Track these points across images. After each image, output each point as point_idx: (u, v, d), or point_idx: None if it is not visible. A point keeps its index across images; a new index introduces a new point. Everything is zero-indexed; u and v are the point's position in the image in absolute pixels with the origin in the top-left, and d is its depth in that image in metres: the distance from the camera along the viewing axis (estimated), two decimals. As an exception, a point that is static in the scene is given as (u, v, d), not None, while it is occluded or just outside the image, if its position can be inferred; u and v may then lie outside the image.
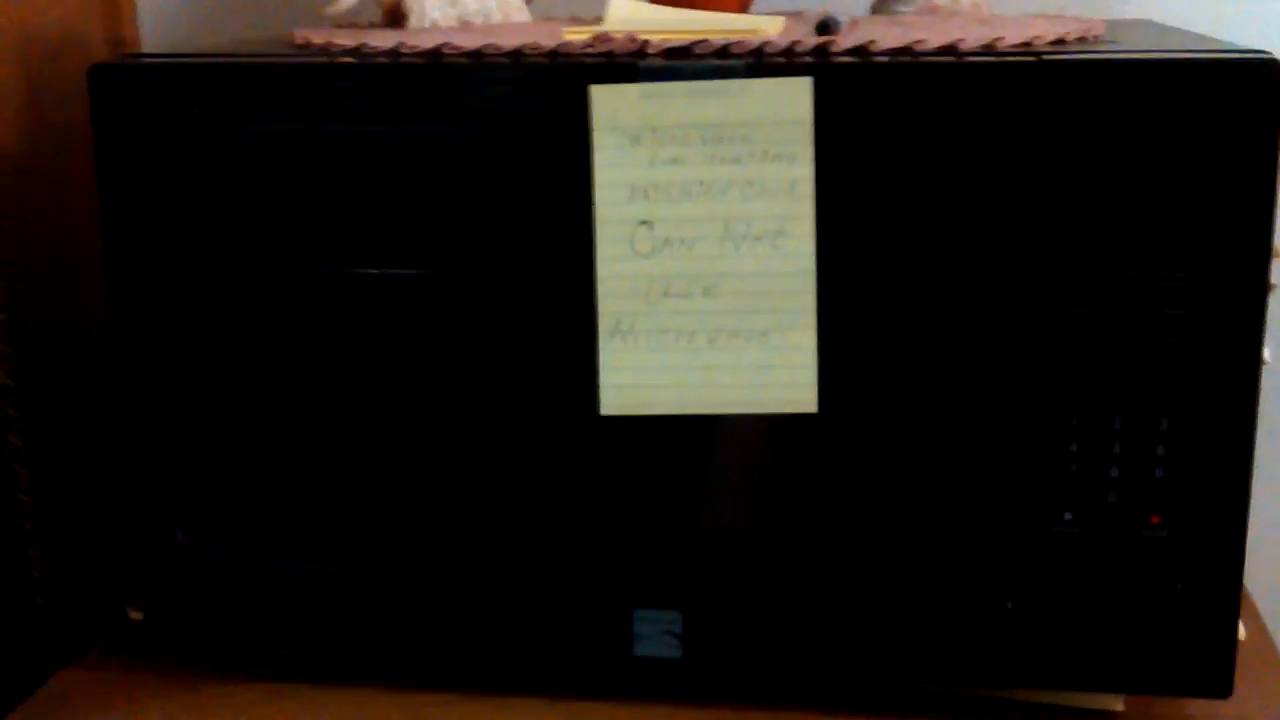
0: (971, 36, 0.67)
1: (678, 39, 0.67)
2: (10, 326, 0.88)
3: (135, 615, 0.78)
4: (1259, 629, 0.80)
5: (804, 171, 0.64)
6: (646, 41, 0.67)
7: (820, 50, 0.66)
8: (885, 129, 0.64)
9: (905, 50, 0.66)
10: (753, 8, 0.90)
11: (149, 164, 0.70)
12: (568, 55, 0.68)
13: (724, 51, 0.66)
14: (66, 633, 0.93)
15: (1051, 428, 0.66)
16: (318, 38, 0.76)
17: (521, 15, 0.86)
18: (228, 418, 0.72)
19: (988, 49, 0.66)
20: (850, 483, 0.68)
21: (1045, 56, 0.63)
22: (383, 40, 0.72)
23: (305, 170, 0.69)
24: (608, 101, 0.65)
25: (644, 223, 0.66)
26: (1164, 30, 0.82)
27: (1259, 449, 0.65)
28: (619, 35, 0.68)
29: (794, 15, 0.86)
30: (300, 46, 0.76)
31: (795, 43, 0.67)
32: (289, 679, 0.76)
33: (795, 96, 0.64)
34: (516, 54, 0.68)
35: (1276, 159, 0.62)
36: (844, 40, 0.67)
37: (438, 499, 0.72)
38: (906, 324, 0.66)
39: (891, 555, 0.69)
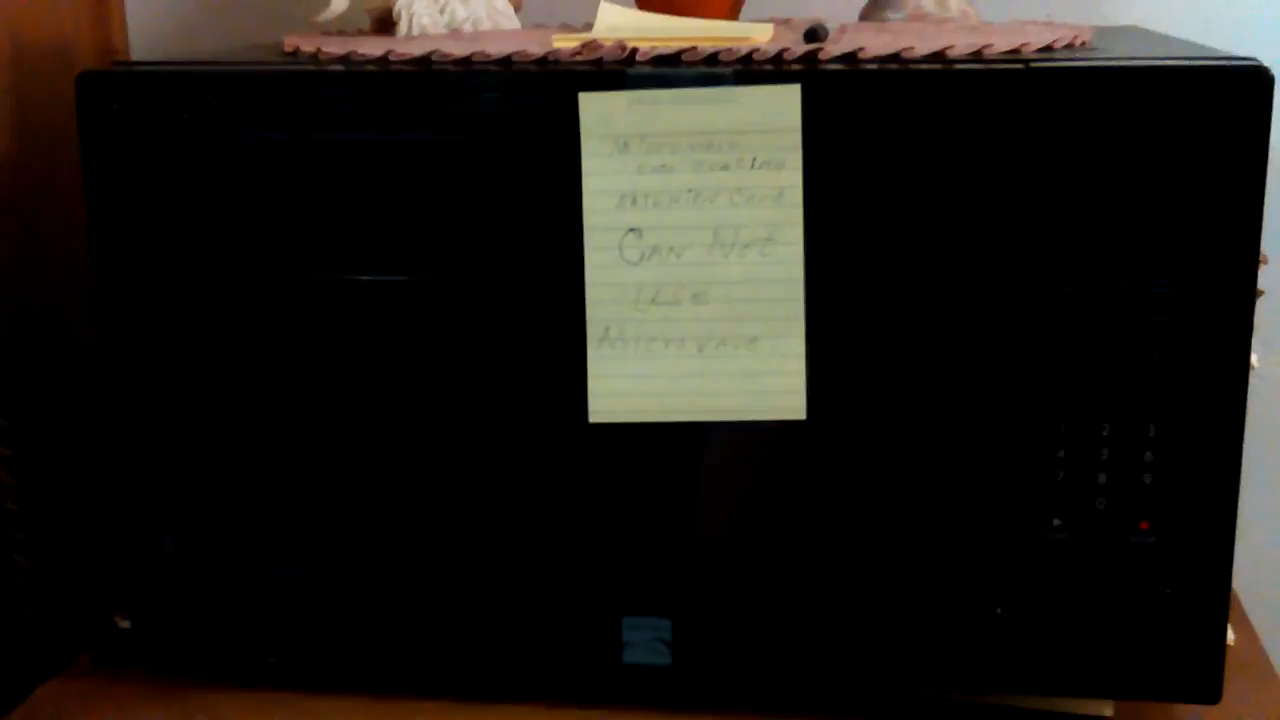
0: (960, 43, 0.67)
1: (666, 46, 0.67)
2: (-2, 334, 0.88)
3: (123, 623, 0.78)
4: (1248, 634, 0.80)
5: (792, 179, 0.64)
6: (635, 49, 0.67)
7: (809, 57, 0.66)
8: (874, 136, 0.64)
9: (894, 57, 0.66)
10: (742, 15, 0.90)
11: (137, 171, 0.69)
12: (557, 62, 0.68)
13: (713, 59, 0.66)
14: (54, 641, 0.92)
15: (1040, 434, 0.66)
16: (307, 45, 0.76)
17: (510, 23, 0.86)
18: (216, 425, 0.72)
19: (976, 56, 0.66)
20: (839, 490, 0.68)
21: (1033, 63, 0.64)
22: (372, 48, 0.72)
23: (294, 177, 0.68)
24: (597, 109, 0.65)
25: (633, 230, 0.66)
26: (1152, 37, 0.82)
27: (1247, 455, 0.65)
28: (608, 43, 0.68)
29: (783, 23, 0.86)
30: (290, 54, 0.76)
31: (784, 50, 0.67)
32: (278, 687, 0.76)
33: (784, 104, 0.64)
34: (505, 61, 0.68)
35: (1264, 166, 0.62)
36: (832, 47, 0.67)
37: (427, 506, 0.72)
38: (895, 331, 0.66)
39: (881, 562, 0.69)
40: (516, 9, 0.87)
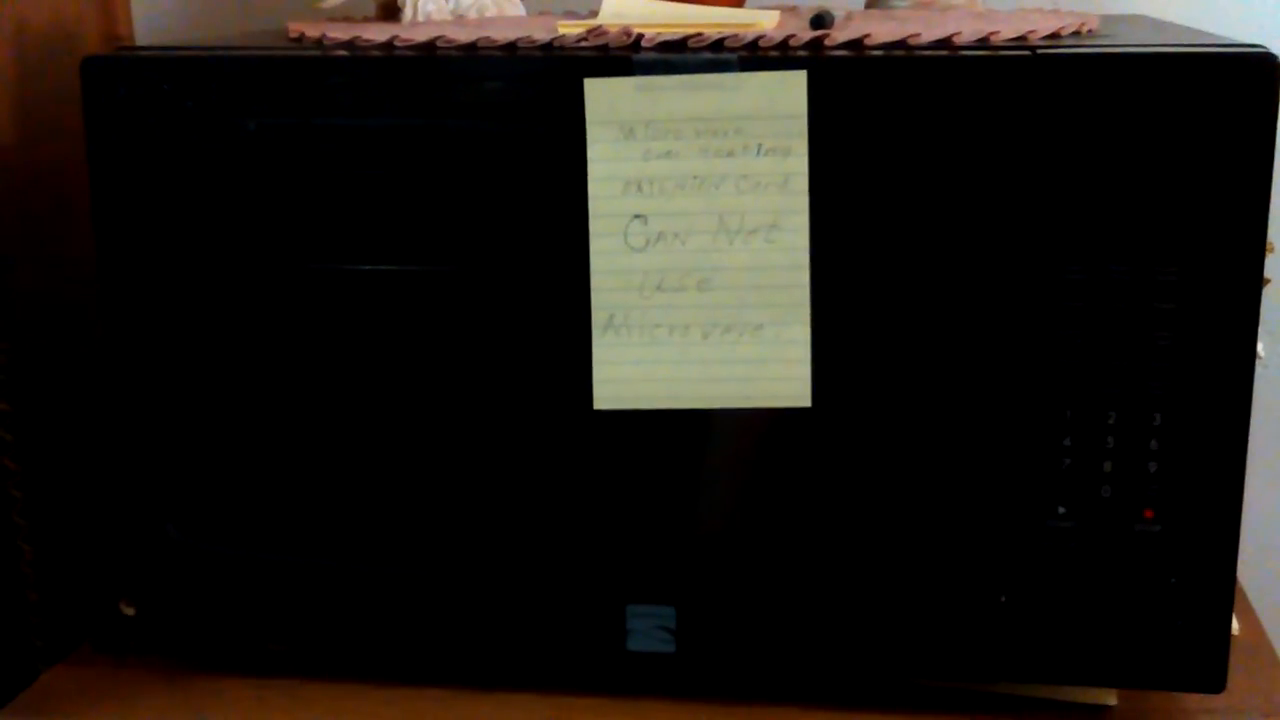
0: (966, 30, 0.67)
1: (672, 32, 0.67)
2: (1, 320, 0.88)
3: (127, 610, 0.78)
4: (1252, 623, 0.80)
5: (798, 165, 0.64)
6: (641, 35, 0.67)
7: (815, 44, 0.66)
8: (880, 123, 0.64)
9: (900, 44, 0.66)
10: (748, 2, 0.89)
11: (141, 157, 0.69)
12: (562, 49, 0.68)
13: (718, 45, 0.66)
14: (58, 628, 0.92)
15: (1045, 422, 0.66)
16: (312, 31, 0.76)
17: (516, 9, 0.86)
18: (220, 412, 0.72)
19: (982, 43, 0.66)
20: (844, 477, 0.68)
21: (1040, 50, 0.63)
22: (377, 34, 0.72)
23: (298, 164, 0.68)
24: (602, 95, 0.65)
25: (638, 216, 0.66)
26: (1159, 25, 0.82)
27: (1252, 443, 0.65)
28: (613, 29, 0.67)
29: (789, 9, 0.86)
30: (294, 40, 0.76)
31: (790, 37, 0.66)
32: (281, 674, 0.76)
33: (790, 90, 0.64)
34: (511, 47, 0.68)
35: (1271, 154, 0.62)
36: (839, 34, 0.67)
37: (431, 493, 0.72)
38: (900, 318, 0.66)
39: (885, 550, 0.69)
40: (521, -4, 0.87)
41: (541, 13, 0.91)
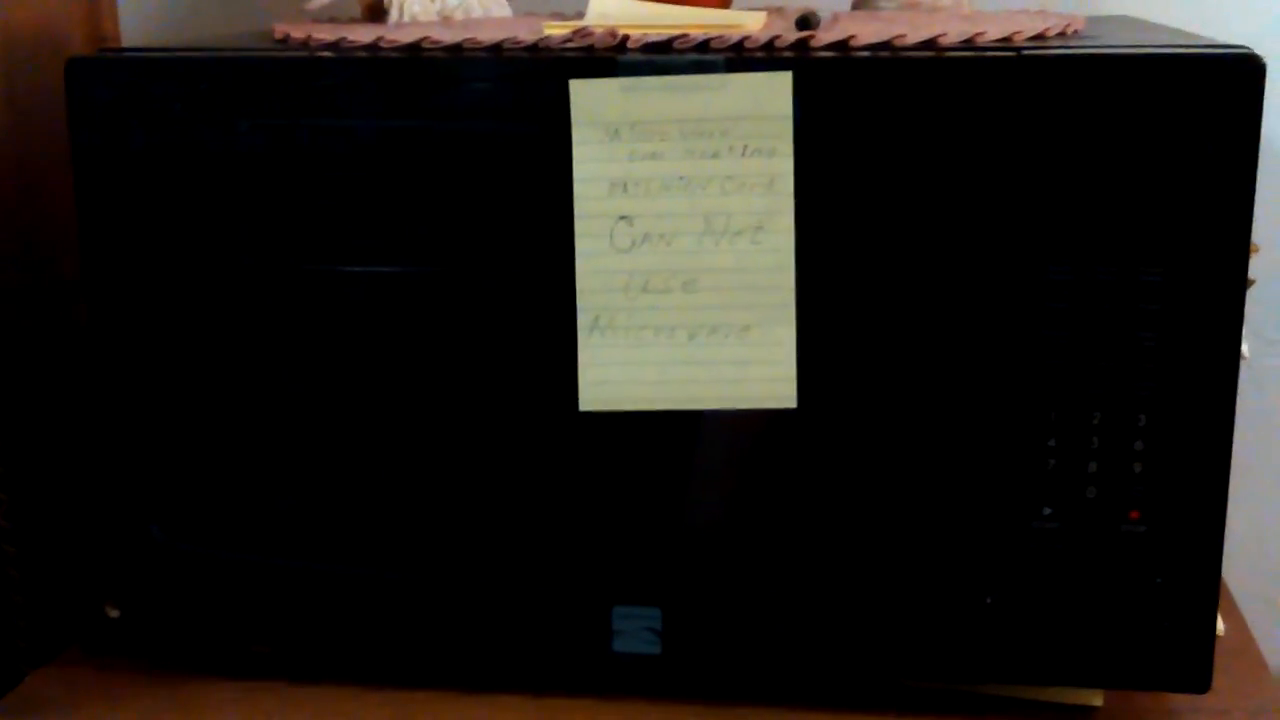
0: (952, 31, 0.67)
1: (658, 34, 0.67)
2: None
3: (112, 613, 0.78)
4: (1238, 623, 0.81)
5: (784, 166, 0.64)
6: (626, 36, 0.67)
7: (800, 45, 0.66)
8: (865, 124, 0.64)
9: (885, 45, 0.66)
10: (734, 3, 0.89)
11: (126, 158, 0.69)
12: (548, 50, 0.68)
13: (704, 46, 0.66)
14: (44, 631, 0.92)
15: (1030, 423, 0.66)
16: (297, 32, 0.76)
17: (502, 10, 0.86)
18: (206, 413, 0.72)
19: (968, 44, 0.66)
20: (830, 478, 0.68)
21: (1025, 52, 0.64)
22: (362, 35, 0.72)
23: (283, 165, 0.68)
24: (587, 96, 0.65)
25: (624, 218, 0.66)
26: (1145, 26, 0.82)
27: (1237, 444, 0.65)
28: (599, 30, 0.67)
29: (774, 11, 0.86)
30: (280, 41, 0.76)
31: (775, 38, 0.67)
32: (268, 677, 0.76)
33: (775, 91, 0.64)
34: (496, 48, 0.68)
35: (1255, 154, 0.62)
36: (824, 35, 0.67)
37: (416, 495, 0.72)
38: (886, 319, 0.66)
39: (871, 551, 0.69)
40: (508, -3, 0.87)
41: (527, 14, 0.91)
